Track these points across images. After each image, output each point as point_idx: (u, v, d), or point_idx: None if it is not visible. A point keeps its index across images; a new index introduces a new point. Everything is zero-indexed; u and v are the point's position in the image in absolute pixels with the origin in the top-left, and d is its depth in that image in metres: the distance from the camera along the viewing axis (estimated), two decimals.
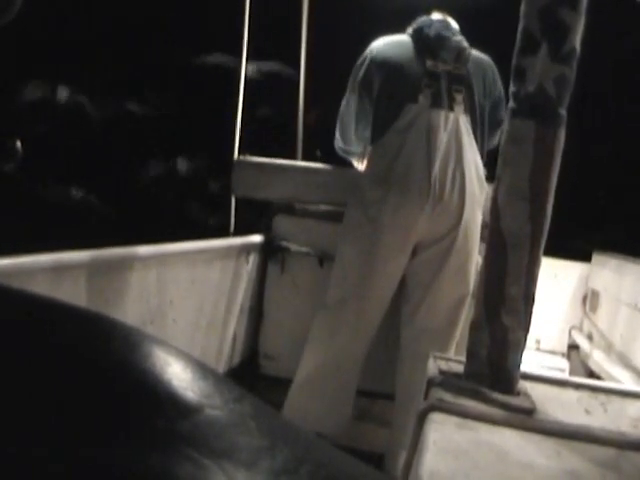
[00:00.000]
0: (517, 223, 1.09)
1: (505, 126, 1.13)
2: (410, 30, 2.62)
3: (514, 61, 1.13)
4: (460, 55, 2.53)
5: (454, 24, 2.63)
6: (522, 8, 1.10)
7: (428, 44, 2.54)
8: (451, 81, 2.50)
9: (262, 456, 0.40)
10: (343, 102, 2.68)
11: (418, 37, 2.57)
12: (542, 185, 1.09)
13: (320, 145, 3.73)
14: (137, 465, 0.36)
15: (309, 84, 3.87)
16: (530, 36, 1.09)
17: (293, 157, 3.71)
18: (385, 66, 2.55)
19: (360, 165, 2.79)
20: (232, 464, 0.38)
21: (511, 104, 1.12)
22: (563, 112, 1.10)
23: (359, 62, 2.63)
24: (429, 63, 2.51)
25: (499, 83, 2.59)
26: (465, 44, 2.57)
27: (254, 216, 3.10)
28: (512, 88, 1.13)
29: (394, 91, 2.52)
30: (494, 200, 1.12)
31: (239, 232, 3.03)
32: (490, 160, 2.55)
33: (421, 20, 2.61)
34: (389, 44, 2.61)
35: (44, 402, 0.39)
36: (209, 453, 0.38)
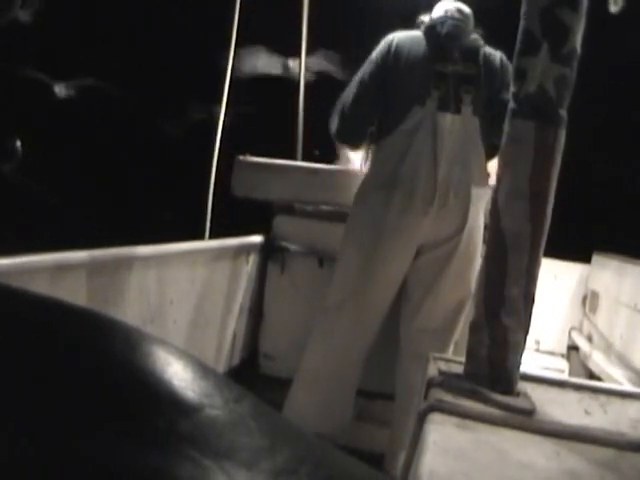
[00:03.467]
0: (517, 224, 1.09)
1: (505, 127, 1.13)
2: (423, 27, 2.56)
3: (514, 61, 1.13)
4: (471, 55, 2.49)
5: (466, 10, 2.56)
6: (522, 9, 1.11)
7: (440, 43, 2.49)
8: (460, 82, 2.46)
9: (262, 456, 0.40)
10: (354, 85, 2.56)
11: (430, 35, 2.51)
12: (542, 185, 1.09)
13: (319, 145, 3.73)
14: (137, 465, 0.36)
15: (309, 84, 3.86)
16: (531, 36, 1.09)
17: (293, 157, 3.71)
18: (400, 62, 2.50)
19: (355, 154, 2.77)
20: (232, 464, 0.38)
21: (511, 104, 1.12)
22: (563, 113, 1.10)
23: (381, 46, 2.56)
24: (438, 64, 2.47)
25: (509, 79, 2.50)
26: (479, 42, 2.52)
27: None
28: (512, 88, 1.13)
29: (403, 91, 2.48)
30: (494, 201, 1.12)
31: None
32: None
33: (436, 17, 2.55)
34: (406, 40, 2.55)
35: (44, 401, 0.39)
36: (209, 453, 0.38)
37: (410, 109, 2.46)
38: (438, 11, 2.58)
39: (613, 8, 1.26)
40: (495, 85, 2.48)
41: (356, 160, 2.93)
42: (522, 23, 1.11)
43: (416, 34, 2.57)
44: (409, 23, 2.64)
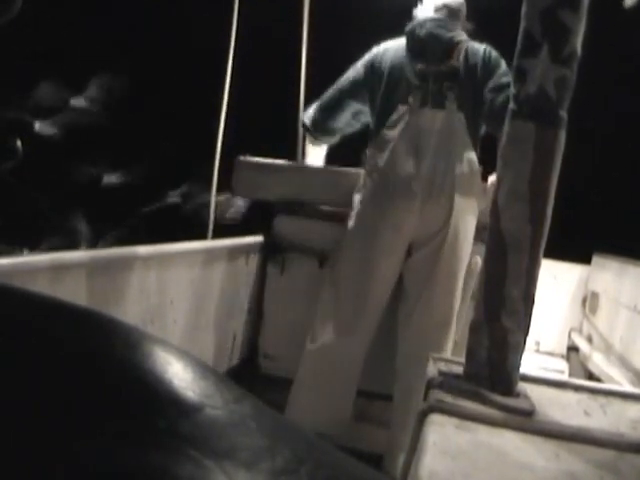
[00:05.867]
0: (517, 225, 1.09)
1: (505, 127, 1.13)
2: (405, 31, 2.62)
3: (515, 62, 1.13)
4: (452, 52, 2.53)
5: (453, 4, 2.60)
6: (523, 10, 1.11)
7: (419, 45, 2.55)
8: (443, 79, 2.51)
9: (262, 456, 0.40)
10: (334, 87, 2.73)
11: (410, 39, 2.58)
12: (542, 187, 1.09)
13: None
14: (138, 465, 0.36)
15: (309, 84, 3.87)
16: (531, 38, 1.09)
17: (293, 157, 3.71)
18: (384, 68, 2.59)
19: (317, 151, 2.98)
20: (232, 464, 0.38)
21: (512, 105, 1.12)
22: (563, 114, 1.10)
23: (366, 57, 2.67)
24: (419, 65, 2.53)
25: (496, 63, 2.51)
26: (459, 38, 2.55)
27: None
28: (513, 89, 1.13)
29: (388, 94, 2.56)
30: (494, 201, 1.12)
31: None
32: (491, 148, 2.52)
33: (416, 20, 2.60)
34: (391, 47, 2.64)
35: (44, 401, 0.39)
36: (210, 453, 0.38)
37: (394, 109, 2.53)
38: (426, 7, 2.63)
39: (629, 2, 1.26)
40: (478, 79, 2.51)
41: (317, 158, 3.04)
42: (522, 24, 1.11)
43: (401, 40, 2.65)
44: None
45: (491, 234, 1.12)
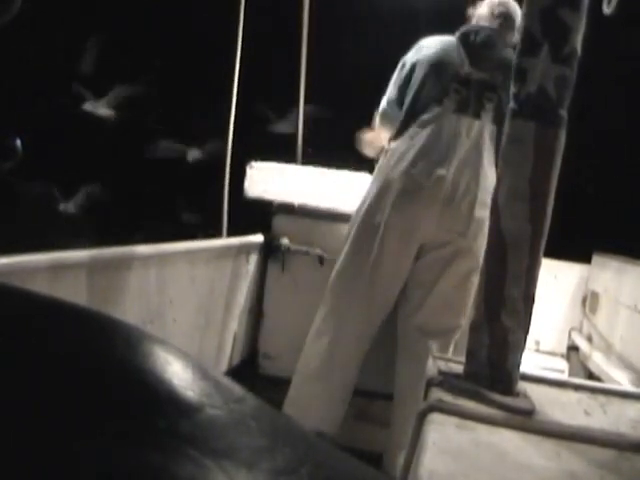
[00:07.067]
0: (517, 224, 1.09)
1: (506, 127, 1.14)
2: (457, 33, 2.60)
3: (515, 62, 1.13)
4: (504, 66, 2.43)
5: (512, 12, 2.56)
6: (523, 9, 1.11)
7: (471, 50, 2.52)
8: (484, 89, 2.48)
9: (262, 456, 0.40)
10: (389, 88, 2.66)
11: (464, 42, 2.55)
12: (542, 186, 1.09)
13: (312, 143, 3.87)
14: (137, 465, 0.36)
15: (309, 86, 3.87)
16: (531, 37, 1.09)
17: (293, 160, 3.74)
18: (424, 63, 2.54)
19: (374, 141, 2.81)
20: (232, 464, 0.38)
21: (512, 105, 1.13)
22: (563, 113, 1.10)
23: (411, 51, 2.63)
24: (465, 69, 2.49)
25: None
26: (512, 57, 2.52)
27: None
28: (513, 89, 1.13)
29: (423, 91, 2.52)
30: (494, 201, 1.12)
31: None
32: None
33: (471, 25, 2.59)
34: (435, 43, 2.59)
35: (44, 401, 0.39)
36: (210, 453, 0.38)
37: (427, 108, 2.49)
38: (483, 10, 2.59)
39: (606, 10, 1.27)
40: None
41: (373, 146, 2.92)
42: (522, 23, 1.11)
43: (447, 38, 2.61)
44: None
45: (491, 233, 1.12)
